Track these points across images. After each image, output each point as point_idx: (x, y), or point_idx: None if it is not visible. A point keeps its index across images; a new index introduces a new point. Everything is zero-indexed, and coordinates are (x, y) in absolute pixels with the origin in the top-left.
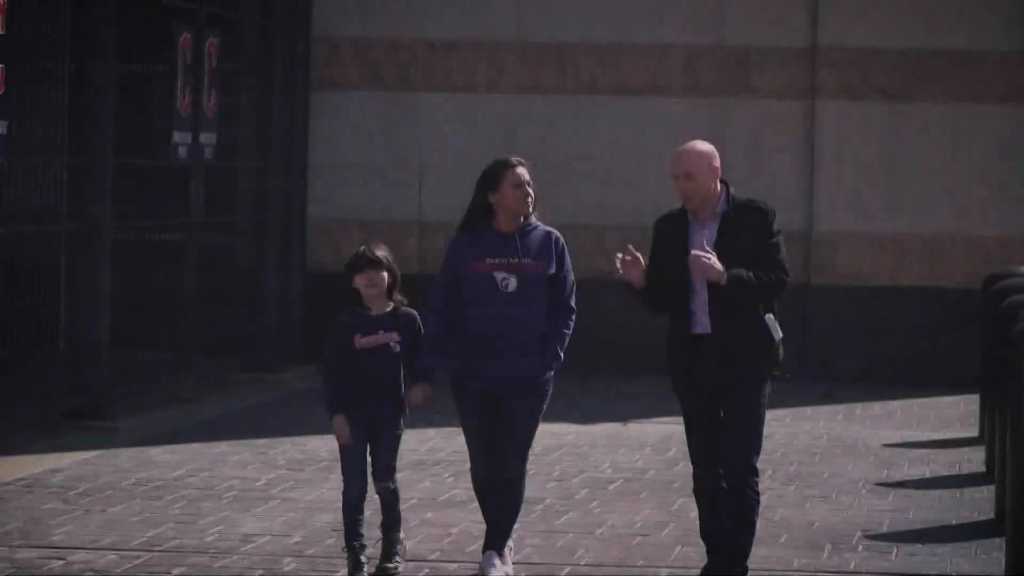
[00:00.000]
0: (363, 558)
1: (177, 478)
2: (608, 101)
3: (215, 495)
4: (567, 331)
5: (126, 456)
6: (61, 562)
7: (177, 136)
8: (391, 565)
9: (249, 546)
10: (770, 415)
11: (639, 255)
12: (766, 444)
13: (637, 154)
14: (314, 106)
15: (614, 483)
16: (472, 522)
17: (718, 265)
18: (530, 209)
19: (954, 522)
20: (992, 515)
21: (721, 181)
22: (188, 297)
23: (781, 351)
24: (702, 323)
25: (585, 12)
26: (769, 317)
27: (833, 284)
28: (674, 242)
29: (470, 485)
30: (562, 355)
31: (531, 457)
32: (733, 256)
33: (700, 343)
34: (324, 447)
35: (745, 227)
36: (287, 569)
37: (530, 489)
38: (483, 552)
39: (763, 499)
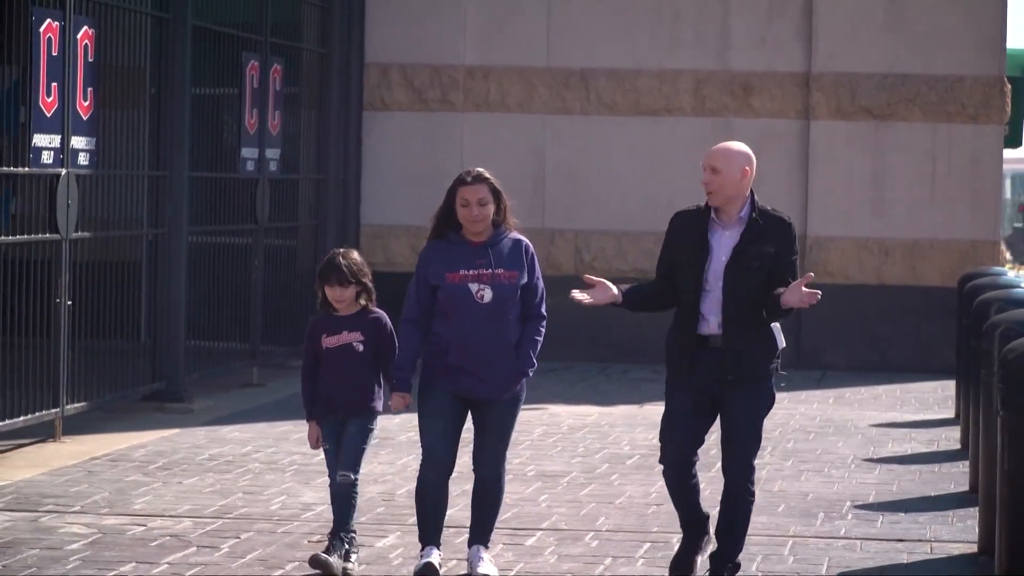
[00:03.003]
0: (353, 549)
1: (245, 454)
2: (626, 120)
3: (279, 469)
4: (539, 337)
5: (200, 434)
6: (142, 528)
7: (245, 151)
8: (328, 557)
9: (308, 514)
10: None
11: (597, 279)
12: (766, 424)
13: (652, 167)
14: (366, 124)
15: (632, 458)
16: (506, 492)
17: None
18: (478, 227)
19: (933, 494)
20: (967, 487)
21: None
22: (255, 294)
23: (780, 360)
24: (710, 324)
25: (606, 41)
26: (776, 326)
27: (825, 283)
28: (693, 239)
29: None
30: (535, 361)
31: (558, 435)
32: (751, 264)
33: (705, 343)
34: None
35: (769, 238)
36: None
37: (557, 464)
38: (469, 546)
39: (763, 473)
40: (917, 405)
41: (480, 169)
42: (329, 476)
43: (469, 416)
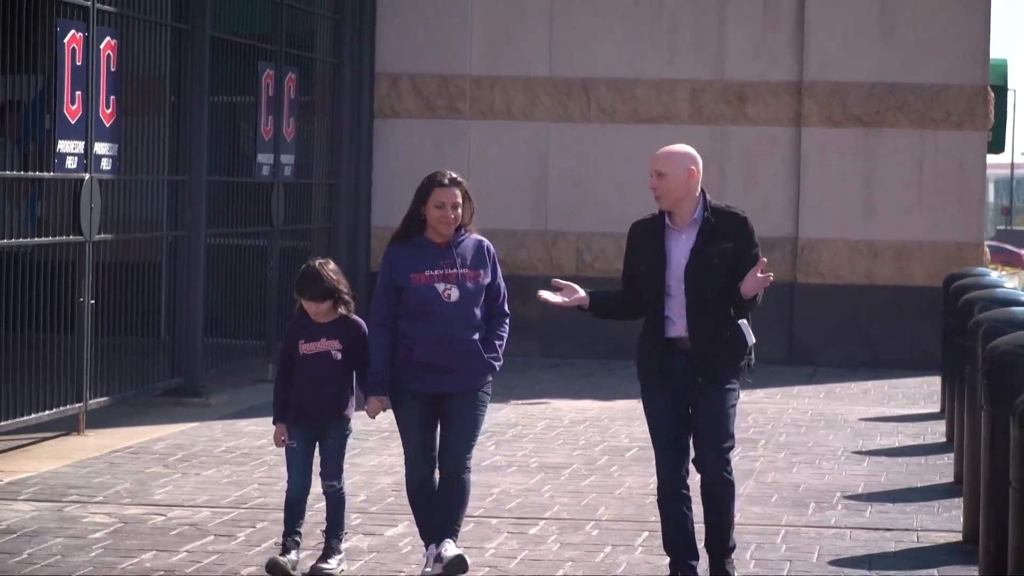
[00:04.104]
0: (293, 554)
1: (260, 446)
2: (626, 128)
3: None
4: (504, 334)
5: (218, 428)
6: (162, 518)
7: (261, 157)
8: (326, 566)
9: (320, 504)
10: (763, 393)
11: (565, 282)
12: (760, 418)
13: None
14: (376, 131)
15: (630, 451)
16: (511, 483)
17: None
18: (449, 229)
19: (919, 485)
20: (952, 479)
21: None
22: (270, 293)
23: (752, 355)
24: (677, 326)
25: (606, 52)
26: (743, 322)
27: (816, 283)
28: (651, 247)
29: (511, 452)
30: (501, 357)
31: (560, 428)
32: (711, 263)
33: (673, 346)
34: (385, 420)
35: (724, 234)
36: (354, 523)
37: (559, 456)
38: (438, 542)
39: (757, 465)
40: (904, 400)
41: (452, 172)
42: (288, 477)
43: None
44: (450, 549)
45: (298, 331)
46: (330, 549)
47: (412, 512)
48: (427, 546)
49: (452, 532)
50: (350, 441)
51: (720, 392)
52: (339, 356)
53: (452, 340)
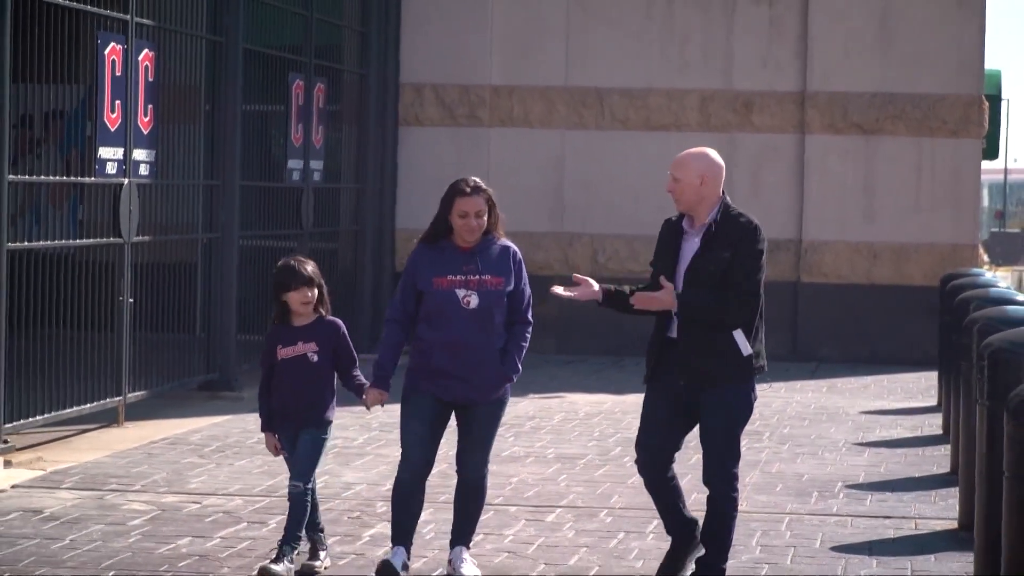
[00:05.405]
0: (322, 554)
1: None
2: (638, 135)
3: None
4: (525, 343)
5: (250, 420)
6: (197, 505)
7: (291, 163)
8: (276, 568)
9: (348, 492)
10: (767, 388)
11: (583, 277)
12: (765, 411)
13: (661, 177)
14: (401, 138)
15: None
16: (528, 473)
17: (664, 297)
18: (474, 236)
19: (917, 475)
20: (948, 469)
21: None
22: None
23: (758, 362)
24: (673, 328)
25: (620, 63)
26: (738, 332)
27: (819, 282)
28: (669, 246)
29: (529, 443)
30: (520, 367)
31: (575, 420)
32: (707, 267)
33: (671, 346)
34: None
35: (725, 240)
36: (379, 511)
37: (575, 447)
38: (451, 547)
39: (762, 456)
40: (902, 394)
41: (476, 179)
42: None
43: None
44: (468, 568)
45: (276, 337)
46: (280, 555)
47: (391, 511)
48: (394, 548)
49: (467, 540)
50: (366, 435)
51: (722, 406)
52: (315, 358)
53: (468, 348)
